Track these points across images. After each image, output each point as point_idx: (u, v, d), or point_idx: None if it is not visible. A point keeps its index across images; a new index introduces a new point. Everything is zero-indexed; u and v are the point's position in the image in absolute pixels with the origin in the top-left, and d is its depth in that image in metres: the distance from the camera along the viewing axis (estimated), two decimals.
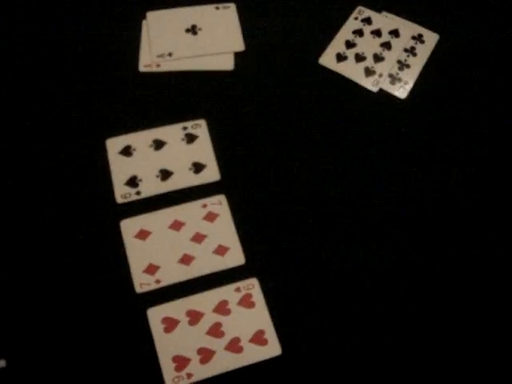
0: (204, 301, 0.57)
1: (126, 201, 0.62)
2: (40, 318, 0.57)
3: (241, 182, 0.64)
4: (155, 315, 0.56)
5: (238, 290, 0.58)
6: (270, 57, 0.72)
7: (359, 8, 0.76)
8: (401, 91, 0.71)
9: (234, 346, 0.55)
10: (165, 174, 0.64)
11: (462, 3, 0.78)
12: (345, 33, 0.74)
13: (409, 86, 0.71)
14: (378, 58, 0.72)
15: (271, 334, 0.56)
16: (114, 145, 0.65)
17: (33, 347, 0.55)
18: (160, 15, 0.74)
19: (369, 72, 0.71)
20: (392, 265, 0.60)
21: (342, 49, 0.73)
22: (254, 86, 0.71)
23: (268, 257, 0.60)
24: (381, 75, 0.71)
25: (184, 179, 0.64)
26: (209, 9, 0.75)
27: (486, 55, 0.73)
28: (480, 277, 0.60)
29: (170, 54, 0.71)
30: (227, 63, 0.72)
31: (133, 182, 0.63)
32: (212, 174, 0.64)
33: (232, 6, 0.75)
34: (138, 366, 0.55)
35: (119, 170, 0.64)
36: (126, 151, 0.65)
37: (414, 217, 0.63)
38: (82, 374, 0.55)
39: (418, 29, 0.75)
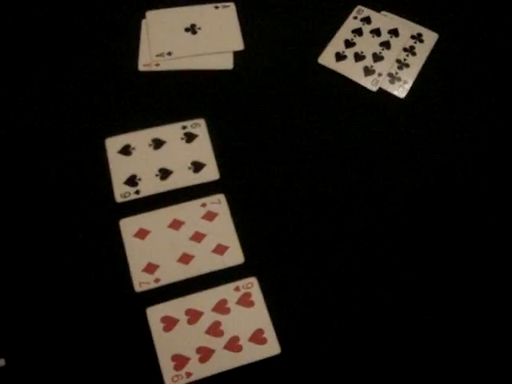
0: (203, 300, 0.57)
1: (125, 200, 0.62)
2: (39, 317, 0.57)
3: (240, 181, 0.64)
4: (154, 314, 0.56)
5: (237, 289, 0.58)
6: (269, 56, 0.73)
7: (358, 7, 0.76)
8: (400, 90, 0.71)
9: (233, 344, 0.55)
10: (164, 173, 0.64)
11: (462, 3, 0.78)
12: (344, 32, 0.74)
13: (408, 86, 0.71)
14: (377, 58, 0.72)
15: (270, 333, 0.56)
16: (113, 144, 0.65)
17: (32, 346, 0.55)
18: (159, 14, 0.74)
19: (368, 71, 0.71)
20: (392, 265, 0.60)
21: (341, 48, 0.73)
22: (254, 85, 0.71)
23: (267, 256, 0.60)
24: (380, 74, 0.71)
25: (183, 178, 0.64)
26: (208, 8, 0.75)
27: (485, 55, 0.74)
28: (480, 278, 0.60)
29: (169, 54, 0.71)
30: (226, 62, 0.72)
31: (132, 181, 0.63)
32: (211, 173, 0.64)
33: (231, 5, 0.75)
34: (138, 365, 0.55)
35: (118, 169, 0.64)
36: (126, 150, 0.65)
37: (413, 216, 0.63)
38: (81, 373, 0.55)
39: (417, 28, 0.75)
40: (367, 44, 0.73)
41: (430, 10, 0.77)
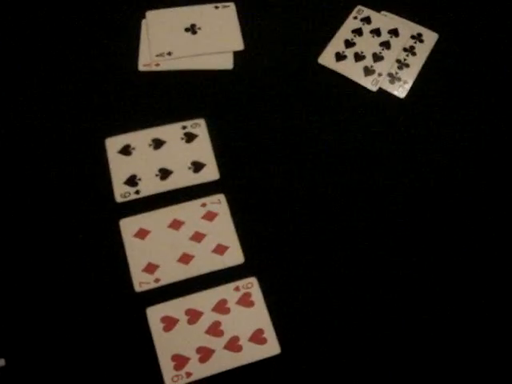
0: (203, 300, 0.57)
1: (125, 200, 0.62)
2: (39, 317, 0.57)
3: (240, 181, 0.64)
4: (154, 314, 0.56)
5: (237, 288, 0.58)
6: (269, 56, 0.73)
7: (359, 7, 0.76)
8: (400, 90, 0.71)
9: (233, 344, 0.55)
10: (164, 173, 0.64)
11: (462, 3, 0.78)
12: (344, 32, 0.74)
13: (408, 86, 0.71)
14: (377, 58, 0.72)
15: (270, 333, 0.56)
16: (113, 144, 0.65)
17: (32, 346, 0.55)
18: (159, 14, 0.74)
19: (368, 71, 0.71)
20: (392, 265, 0.60)
21: (341, 48, 0.73)
22: (254, 85, 0.71)
23: (267, 256, 0.60)
24: (380, 74, 0.71)
25: (183, 178, 0.64)
26: (208, 8, 0.75)
27: (485, 55, 0.74)
28: (480, 278, 0.60)
29: (169, 54, 0.71)
30: (226, 62, 0.72)
31: (132, 181, 0.63)
32: (211, 173, 0.64)
33: (231, 5, 0.75)
34: (138, 365, 0.55)
35: (118, 169, 0.64)
36: (126, 150, 0.65)
37: (413, 216, 0.63)
38: (81, 373, 0.55)
39: (417, 28, 0.75)
40: (367, 44, 0.73)
41: (429, 10, 0.77)
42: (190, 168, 0.64)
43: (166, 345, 0.55)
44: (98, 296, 0.58)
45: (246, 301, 0.57)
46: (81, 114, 0.68)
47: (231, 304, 0.57)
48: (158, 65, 0.71)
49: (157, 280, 0.58)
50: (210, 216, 0.61)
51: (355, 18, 0.75)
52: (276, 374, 0.55)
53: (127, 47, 0.72)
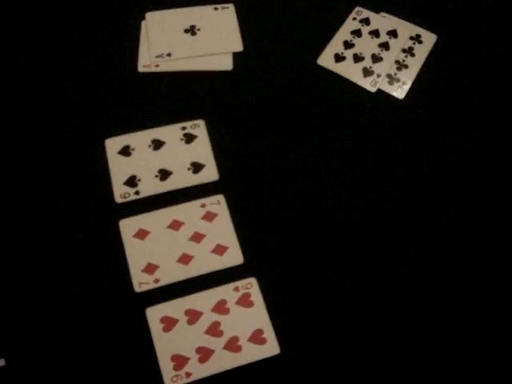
0: (203, 300, 0.57)
1: (125, 200, 0.62)
2: (39, 317, 0.57)
3: (239, 182, 0.64)
4: (154, 314, 0.56)
5: (236, 289, 0.58)
6: (268, 57, 0.73)
7: (357, 8, 0.76)
8: (399, 91, 0.71)
9: (233, 345, 0.55)
10: (164, 174, 0.64)
11: (461, 4, 0.78)
12: (343, 33, 0.74)
13: (407, 87, 0.71)
14: (376, 59, 0.72)
15: (269, 333, 0.56)
16: (113, 145, 0.65)
17: (32, 346, 0.55)
18: (159, 16, 0.74)
19: (367, 72, 0.72)
20: (392, 265, 0.60)
21: (340, 49, 0.73)
22: (253, 86, 0.71)
23: (266, 256, 0.60)
24: (379, 75, 0.71)
25: (183, 179, 0.64)
26: (207, 9, 0.75)
27: (484, 56, 0.74)
28: (480, 278, 0.60)
29: (168, 55, 0.71)
30: (226, 63, 0.72)
31: (132, 181, 0.63)
32: (211, 173, 0.64)
33: (231, 7, 0.75)
34: (137, 365, 0.55)
35: (118, 169, 0.64)
36: (125, 151, 0.65)
37: (413, 216, 0.63)
38: (81, 373, 0.55)
39: (415, 29, 0.75)
40: (366, 45, 0.73)
41: (428, 11, 0.77)
42: (189, 169, 0.64)
43: (165, 345, 0.55)
44: (98, 296, 0.58)
45: (245, 301, 0.57)
46: (81, 114, 0.68)
47: (231, 304, 0.57)
48: (157, 66, 0.71)
49: (156, 280, 0.58)
50: (209, 216, 0.62)
51: (354, 19, 0.75)
52: (275, 374, 0.55)
53: (127, 48, 0.72)
